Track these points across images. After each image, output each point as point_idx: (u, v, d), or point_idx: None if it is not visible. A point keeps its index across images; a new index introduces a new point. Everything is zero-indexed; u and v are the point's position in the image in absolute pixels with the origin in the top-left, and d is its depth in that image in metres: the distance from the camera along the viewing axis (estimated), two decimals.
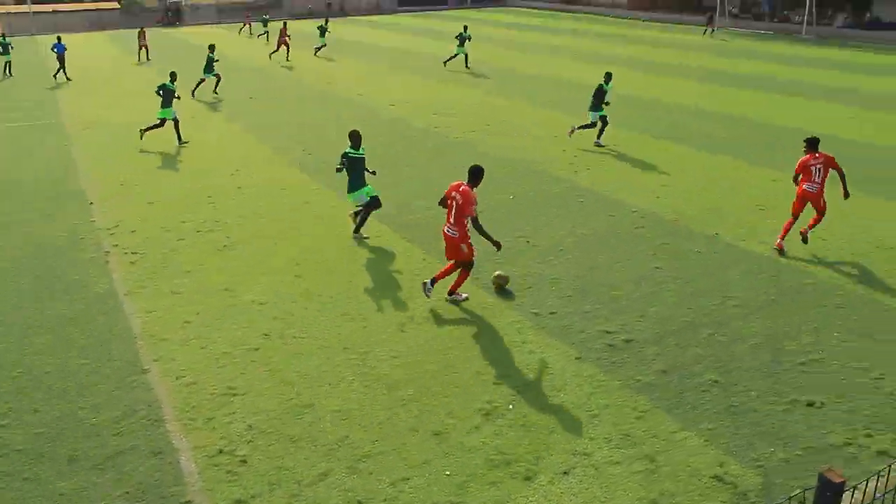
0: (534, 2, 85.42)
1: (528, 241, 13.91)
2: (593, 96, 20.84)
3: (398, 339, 10.39)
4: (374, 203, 14.02)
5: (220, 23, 67.00)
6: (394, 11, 78.12)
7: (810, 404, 8.78)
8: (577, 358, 9.83)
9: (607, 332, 10.50)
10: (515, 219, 15.10)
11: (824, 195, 13.26)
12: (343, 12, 74.80)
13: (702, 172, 18.60)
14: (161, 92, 21.35)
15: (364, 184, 13.99)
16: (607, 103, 20.89)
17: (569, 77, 33.43)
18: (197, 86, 29.52)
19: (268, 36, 49.64)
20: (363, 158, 13.99)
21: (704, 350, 10.02)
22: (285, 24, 43.36)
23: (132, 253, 13.69)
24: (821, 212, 13.35)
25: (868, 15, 58.95)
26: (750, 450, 7.97)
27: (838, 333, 10.46)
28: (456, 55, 35.91)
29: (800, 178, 13.37)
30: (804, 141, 13.73)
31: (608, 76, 21.00)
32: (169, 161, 20.35)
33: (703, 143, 21.48)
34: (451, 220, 11.14)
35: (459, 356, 9.93)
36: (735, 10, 65.29)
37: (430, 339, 10.41)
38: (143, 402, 9.00)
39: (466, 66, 35.94)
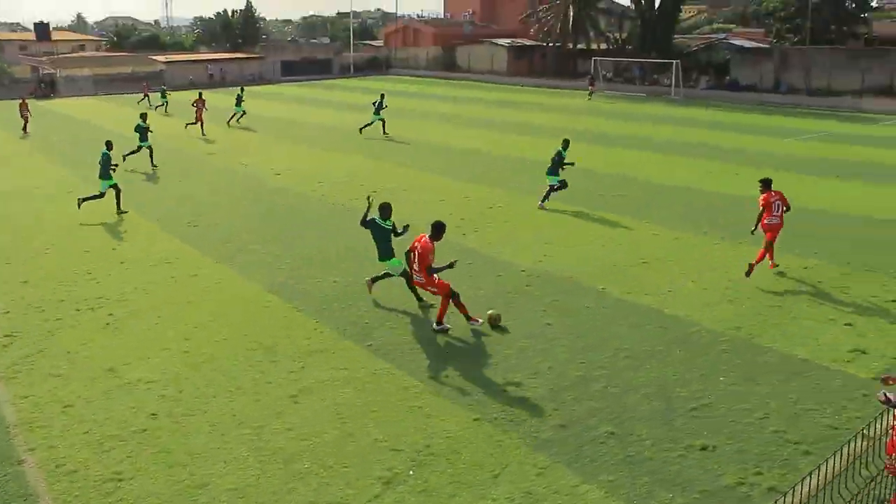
0: (415, 70, 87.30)
1: (420, 306, 13.91)
2: (552, 161, 21.61)
3: (293, 411, 10.13)
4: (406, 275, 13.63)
5: (96, 94, 65.44)
6: (277, 81, 78.24)
7: (703, 448, 9.01)
8: (474, 419, 9.80)
9: (503, 392, 10.53)
10: (404, 284, 15.09)
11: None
12: (224, 83, 74.45)
13: (588, 230, 19.15)
14: (101, 161, 21.31)
15: (392, 254, 13.80)
16: (569, 164, 21.76)
17: (454, 143, 34.07)
18: (131, 153, 28.74)
19: (166, 107, 48.60)
20: (390, 230, 13.80)
21: (599, 403, 10.17)
22: (201, 94, 40.86)
23: (4, 336, 12.94)
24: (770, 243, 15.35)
25: (727, 78, 62.89)
26: (650, 498, 8.08)
27: (724, 378, 10.83)
28: (372, 122, 36.73)
29: (763, 214, 15.18)
30: (760, 182, 15.70)
31: (566, 143, 21.99)
32: (44, 236, 19.46)
33: (589, 201, 22.14)
34: (416, 269, 12.67)
35: (356, 425, 9.74)
36: (609, 75, 68.39)
37: (324, 408, 10.19)
38: (17, 496, 8.41)
39: (384, 133, 36.47)
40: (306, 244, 18.11)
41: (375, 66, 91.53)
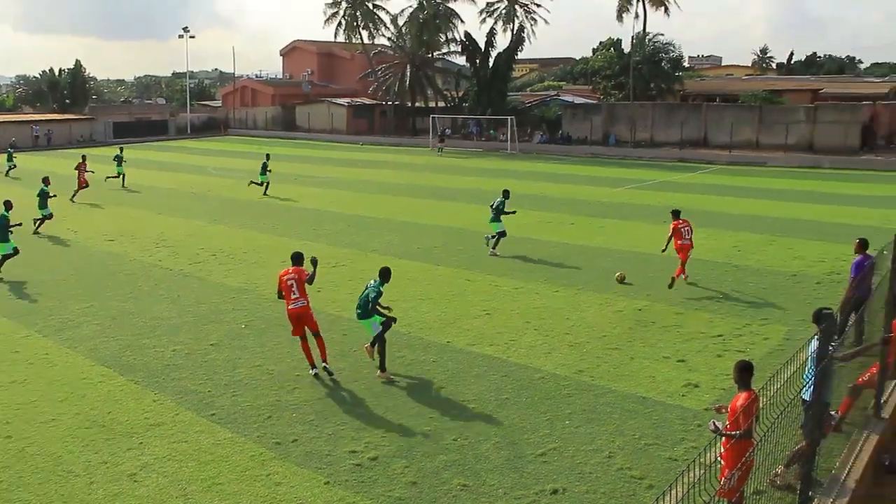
0: (253, 130, 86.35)
1: (264, 369, 13.51)
2: (494, 210, 22.78)
3: (130, 490, 9.51)
4: (386, 326, 13.17)
5: None
6: (107, 143, 75.21)
7: (554, 492, 9.14)
8: (325, 483, 9.54)
9: (353, 452, 10.32)
10: (249, 347, 14.67)
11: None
12: (50, 145, 70.93)
13: (427, 284, 19.29)
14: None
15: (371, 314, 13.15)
16: (511, 212, 22.96)
17: (297, 203, 33.75)
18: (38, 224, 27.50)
19: (8, 170, 46.26)
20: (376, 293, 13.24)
21: (450, 456, 10.14)
22: (84, 158, 37.83)
23: None
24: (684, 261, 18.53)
25: (560, 132, 65.87)
26: None
27: (569, 421, 11.08)
28: (261, 182, 36.52)
29: (673, 237, 18.54)
30: (671, 212, 19.23)
31: (506, 192, 23.38)
32: None
33: (431, 257, 22.38)
34: (298, 294, 13.13)
35: (201, 500, 9.26)
36: (448, 132, 70.12)
37: (167, 485, 9.62)
38: None
39: (264, 194, 36.07)
40: (143, 312, 17.23)
41: (213, 126, 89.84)
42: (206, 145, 71.65)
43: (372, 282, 13.39)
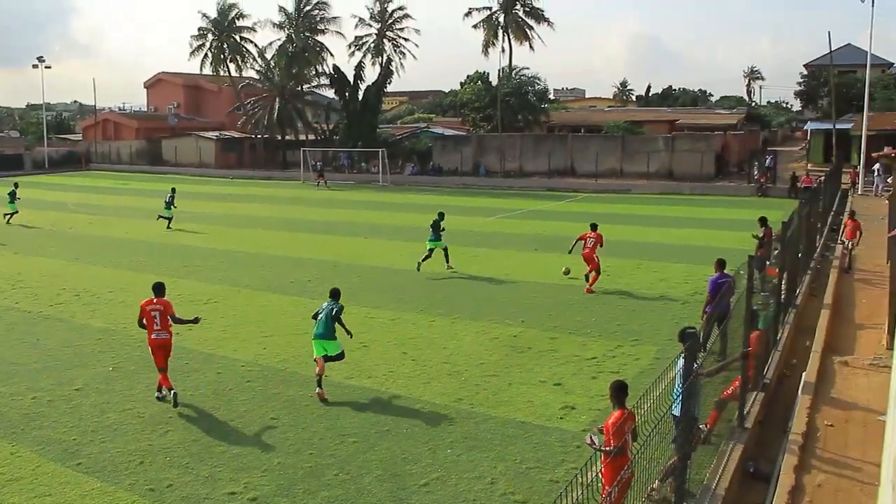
0: (117, 164, 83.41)
1: (134, 412, 12.93)
2: (432, 229, 24.20)
3: None
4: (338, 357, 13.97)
5: None
6: None
7: None
8: None
9: (232, 494, 9.97)
10: (118, 391, 14.01)
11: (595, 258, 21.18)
12: None
13: (302, 318, 18.93)
14: None
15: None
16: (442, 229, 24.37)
17: (164, 240, 32.67)
18: None
19: None
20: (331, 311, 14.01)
21: (332, 491, 9.95)
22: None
23: None
24: (596, 269, 21.14)
25: (431, 163, 66.64)
26: None
27: (451, 449, 11.08)
28: (168, 217, 35.44)
29: (577, 242, 21.75)
30: (590, 225, 22.20)
31: (441, 214, 25.02)
32: None
33: (301, 289, 22.08)
34: (160, 326, 13.31)
35: None
36: (319, 164, 69.69)
37: None
38: None
39: (168, 228, 35.09)
40: None
41: (74, 160, 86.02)
42: (65, 180, 68.61)
43: (325, 304, 14.20)
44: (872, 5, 45.74)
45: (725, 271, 15.61)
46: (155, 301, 13.43)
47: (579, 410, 12.49)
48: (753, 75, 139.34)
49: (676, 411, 8.23)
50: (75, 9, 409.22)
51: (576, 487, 5.74)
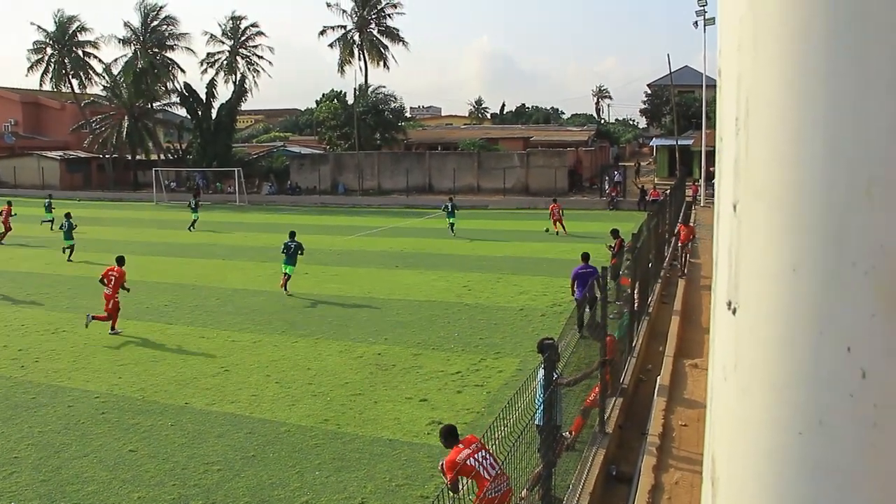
0: None
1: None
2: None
3: None
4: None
5: None
6: None
7: None
8: None
9: None
10: None
11: None
12: None
13: (159, 344, 18.33)
14: None
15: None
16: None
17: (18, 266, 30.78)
18: None
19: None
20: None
21: None
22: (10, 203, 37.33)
23: None
24: None
25: (289, 182, 65.91)
26: None
27: (319, 472, 10.95)
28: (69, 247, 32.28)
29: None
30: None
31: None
32: None
33: (162, 315, 21.34)
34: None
35: None
36: (173, 185, 67.69)
37: None
38: None
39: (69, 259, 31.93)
40: None
41: None
42: None
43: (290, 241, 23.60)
44: (704, 31, 48.89)
45: (589, 262, 18.16)
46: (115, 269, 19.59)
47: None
48: (602, 94, 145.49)
49: (539, 421, 8.47)
50: None
51: (446, 500, 5.81)
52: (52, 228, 38.04)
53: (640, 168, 66.16)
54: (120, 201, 64.66)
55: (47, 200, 33.11)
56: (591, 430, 11.10)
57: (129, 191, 70.74)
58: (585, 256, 18.65)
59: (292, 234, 24.64)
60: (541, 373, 8.69)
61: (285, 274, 23.73)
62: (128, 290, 20.26)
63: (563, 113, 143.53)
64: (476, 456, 7.73)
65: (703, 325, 18.25)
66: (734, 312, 0.94)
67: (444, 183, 60.51)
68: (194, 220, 41.50)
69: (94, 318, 19.19)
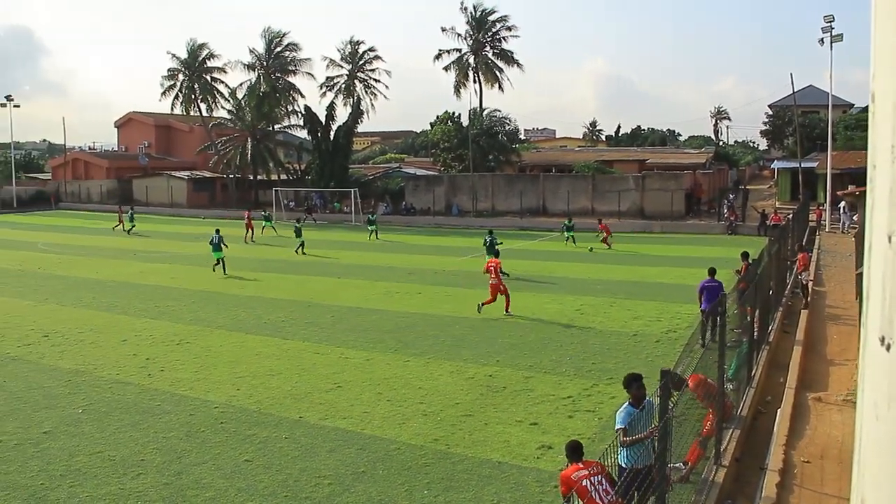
0: (87, 204, 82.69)
1: (105, 455, 12.69)
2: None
3: None
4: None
5: None
6: None
7: None
8: None
9: None
10: (88, 433, 13.76)
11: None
12: None
13: (276, 359, 18.84)
14: None
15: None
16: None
17: (133, 279, 32.35)
18: None
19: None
20: None
21: None
22: None
23: None
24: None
25: (404, 203, 66.87)
26: None
27: (427, 491, 10.99)
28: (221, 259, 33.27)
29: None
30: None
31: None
32: None
33: (275, 329, 21.93)
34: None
35: None
36: (291, 204, 69.72)
37: None
38: None
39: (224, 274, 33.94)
40: None
41: (43, 200, 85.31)
42: (34, 220, 67.94)
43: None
44: (831, 49, 46.97)
45: (714, 277, 19.24)
46: None
47: (556, 450, 12.42)
48: (720, 115, 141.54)
49: (623, 461, 8.35)
50: (46, 49, 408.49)
51: None
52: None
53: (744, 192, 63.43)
54: (241, 219, 66.90)
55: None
56: (706, 462, 10.75)
57: (250, 209, 73.19)
58: (712, 271, 19.54)
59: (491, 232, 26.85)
60: (622, 412, 8.75)
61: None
62: (507, 274, 26.04)
63: (680, 135, 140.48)
64: (592, 479, 7.64)
65: (828, 357, 17.44)
66: (888, 349, 0.89)
67: (559, 205, 60.14)
68: (301, 244, 41.11)
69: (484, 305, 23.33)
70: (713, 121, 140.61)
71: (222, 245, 33.66)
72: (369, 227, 49.63)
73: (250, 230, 48.92)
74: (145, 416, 14.55)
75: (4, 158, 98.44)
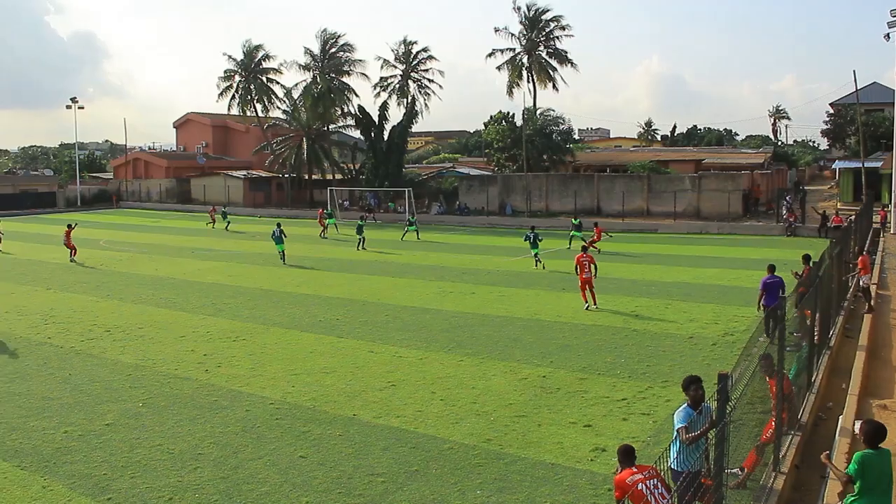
0: (147, 203, 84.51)
1: (164, 448, 12.94)
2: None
3: None
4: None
5: None
6: None
7: None
8: None
9: None
10: (148, 426, 14.05)
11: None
12: None
13: (330, 356, 18.99)
14: None
15: None
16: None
17: (192, 277, 32.93)
18: None
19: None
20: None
21: None
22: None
23: None
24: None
25: (457, 203, 66.90)
26: None
27: (480, 491, 10.98)
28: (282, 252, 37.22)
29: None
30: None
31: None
32: None
33: (334, 329, 22.11)
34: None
35: None
36: (346, 203, 70.28)
37: None
38: None
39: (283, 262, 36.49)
40: (31, 392, 16.25)
41: (105, 199, 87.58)
42: (97, 218, 69.64)
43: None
44: None
45: (774, 273, 19.42)
46: None
47: (610, 453, 12.29)
48: (779, 114, 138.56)
49: (675, 465, 8.20)
50: (108, 53, 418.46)
51: None
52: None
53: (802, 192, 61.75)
54: (296, 218, 67.73)
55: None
56: (764, 469, 10.54)
57: (305, 208, 73.98)
58: (771, 267, 19.72)
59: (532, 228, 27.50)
60: (681, 412, 8.63)
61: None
62: (598, 250, 31.47)
63: (737, 135, 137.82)
64: (647, 483, 7.54)
65: (893, 364, 16.97)
66: None
67: (613, 206, 59.63)
68: (361, 240, 43.40)
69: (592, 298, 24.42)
70: (771, 120, 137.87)
71: (283, 237, 37.44)
72: (408, 228, 49.68)
73: (324, 227, 51.86)
74: (203, 411, 14.81)
75: (69, 158, 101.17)
